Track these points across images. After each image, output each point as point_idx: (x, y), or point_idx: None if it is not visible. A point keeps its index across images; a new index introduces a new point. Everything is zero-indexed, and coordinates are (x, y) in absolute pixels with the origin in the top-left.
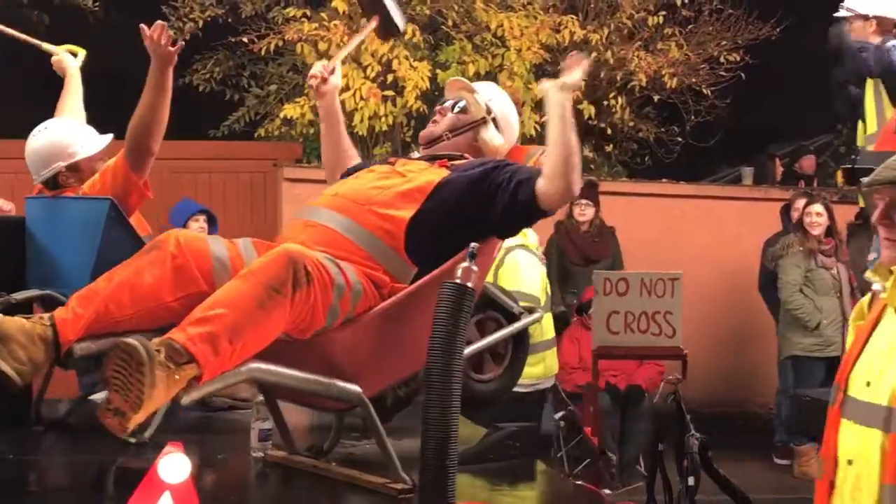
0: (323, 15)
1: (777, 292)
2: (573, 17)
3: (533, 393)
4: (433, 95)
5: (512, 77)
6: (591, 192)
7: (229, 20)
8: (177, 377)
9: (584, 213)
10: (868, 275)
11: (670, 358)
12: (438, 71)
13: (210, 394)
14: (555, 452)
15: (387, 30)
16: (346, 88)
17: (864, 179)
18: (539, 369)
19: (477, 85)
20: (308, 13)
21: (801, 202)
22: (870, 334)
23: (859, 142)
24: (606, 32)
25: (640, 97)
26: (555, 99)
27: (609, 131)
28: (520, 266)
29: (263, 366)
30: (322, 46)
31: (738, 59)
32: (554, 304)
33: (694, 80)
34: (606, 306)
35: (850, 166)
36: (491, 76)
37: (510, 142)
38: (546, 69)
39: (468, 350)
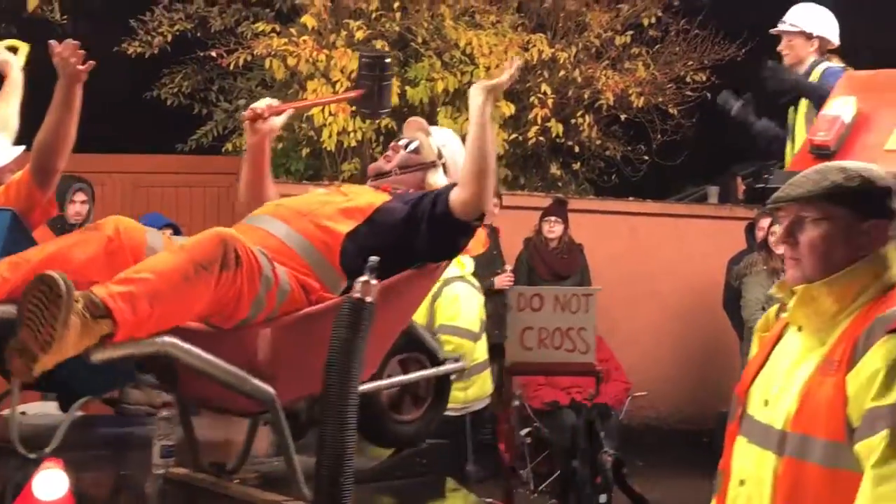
0: (292, 30)
1: (741, 310)
2: (542, 35)
3: (465, 416)
4: (403, 112)
5: None
6: (560, 209)
7: (198, 35)
8: (91, 329)
9: (553, 229)
10: (773, 291)
11: (584, 374)
12: (408, 87)
13: (120, 358)
14: (521, 469)
15: (366, 107)
16: None
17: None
18: (467, 393)
19: (433, 129)
20: (277, 28)
21: (765, 221)
22: (772, 349)
23: (787, 162)
24: (574, 51)
25: (607, 116)
26: (475, 102)
27: (577, 149)
28: (459, 298)
29: (180, 342)
30: (291, 62)
31: (705, 79)
32: None
33: (660, 99)
34: (520, 322)
35: (762, 185)
36: (460, 93)
37: None
38: (515, 87)
39: (387, 382)
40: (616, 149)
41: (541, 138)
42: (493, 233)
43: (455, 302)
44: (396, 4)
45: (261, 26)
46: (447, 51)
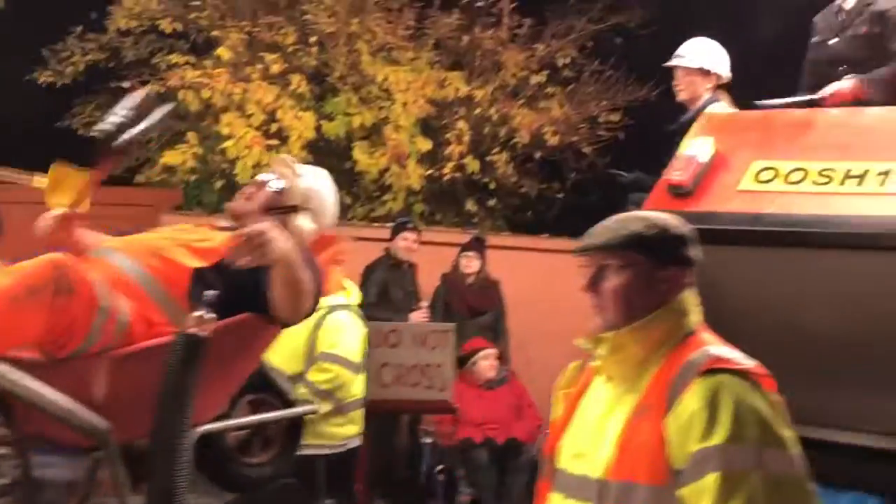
0: (207, 63)
1: None
2: (459, 73)
3: (343, 453)
4: (318, 145)
5: (397, 129)
6: (478, 245)
7: (111, 65)
8: None
9: (470, 265)
10: (579, 342)
11: (440, 412)
12: (324, 122)
13: None
14: None
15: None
16: (229, 136)
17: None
18: (348, 429)
19: (304, 169)
20: (192, 60)
21: None
22: (578, 402)
23: None
24: (491, 89)
25: (522, 153)
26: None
27: (492, 186)
28: (341, 328)
29: (5, 368)
30: (205, 94)
31: (618, 119)
32: None
33: (575, 138)
34: (378, 358)
35: None
36: (377, 128)
37: (322, 228)
38: (431, 123)
39: (234, 423)
40: (531, 186)
41: (457, 174)
42: (410, 268)
43: (337, 330)
44: (313, 39)
45: (175, 58)
46: (364, 86)
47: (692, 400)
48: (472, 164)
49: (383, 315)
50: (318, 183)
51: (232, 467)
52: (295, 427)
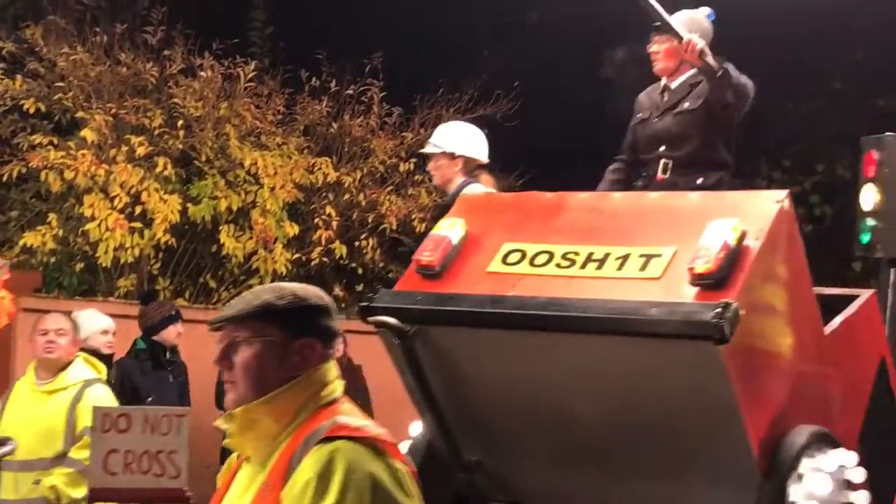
0: (71, 144)
1: None
2: (327, 159)
3: None
4: (184, 228)
5: (265, 214)
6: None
7: None
8: None
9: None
10: (218, 422)
11: (173, 502)
12: (189, 205)
13: None
14: None
15: None
16: (91, 218)
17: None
18: None
19: None
20: (55, 141)
21: None
22: (227, 490)
23: None
24: (359, 175)
25: (390, 239)
26: None
27: (360, 271)
28: (104, 402)
29: None
30: (68, 175)
31: None
32: None
33: None
34: (105, 444)
35: (366, 304)
36: (243, 212)
37: None
38: (299, 208)
39: None
40: (398, 271)
41: (325, 259)
42: None
43: (101, 403)
44: (180, 122)
45: (38, 138)
46: (231, 170)
47: (306, 469)
48: (340, 249)
49: None
50: None
51: None
52: None
